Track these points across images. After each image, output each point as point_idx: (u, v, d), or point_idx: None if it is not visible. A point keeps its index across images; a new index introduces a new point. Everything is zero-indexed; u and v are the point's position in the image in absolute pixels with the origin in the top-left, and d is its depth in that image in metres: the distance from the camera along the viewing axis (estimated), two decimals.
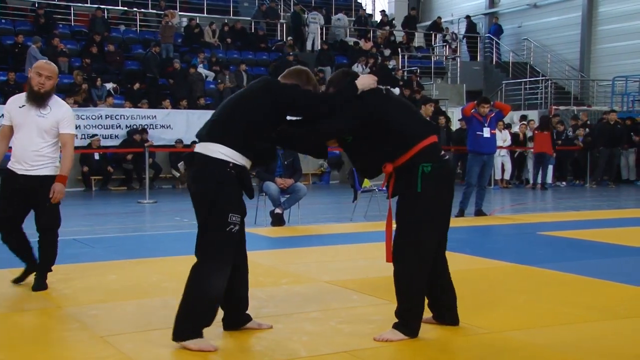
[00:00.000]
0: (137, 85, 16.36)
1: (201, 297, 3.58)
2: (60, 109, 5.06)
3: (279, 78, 3.89)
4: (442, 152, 3.86)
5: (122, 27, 19.64)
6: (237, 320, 3.91)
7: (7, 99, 5.21)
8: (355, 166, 4.07)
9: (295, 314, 4.02)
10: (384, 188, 3.91)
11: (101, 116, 14.88)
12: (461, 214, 9.85)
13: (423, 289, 3.79)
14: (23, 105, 4.96)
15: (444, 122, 16.99)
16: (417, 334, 3.78)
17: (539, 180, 15.51)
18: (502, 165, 16.22)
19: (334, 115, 3.73)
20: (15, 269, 5.33)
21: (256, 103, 3.68)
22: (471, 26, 23.97)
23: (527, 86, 20.94)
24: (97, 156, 14.41)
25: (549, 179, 16.34)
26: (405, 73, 20.64)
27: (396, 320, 3.79)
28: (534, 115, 18.45)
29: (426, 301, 3.89)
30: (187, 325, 3.58)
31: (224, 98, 17.31)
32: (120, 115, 15.06)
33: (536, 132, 15.45)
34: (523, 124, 16.96)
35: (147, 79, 16.78)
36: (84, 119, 14.67)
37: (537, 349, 3.71)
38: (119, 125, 14.93)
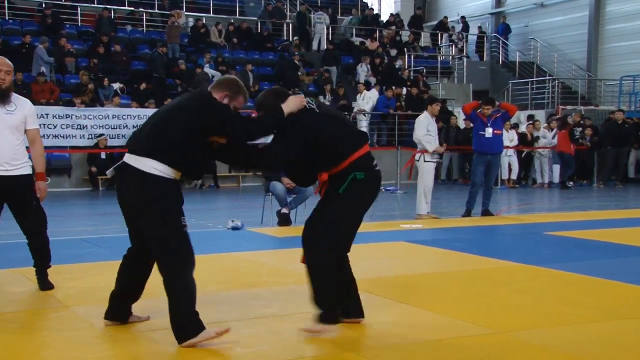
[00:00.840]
0: (143, 85, 16.39)
1: (190, 298, 3.73)
2: (25, 105, 4.95)
3: (209, 88, 3.93)
4: (374, 162, 4.02)
5: (129, 27, 19.72)
6: (125, 312, 4.08)
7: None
8: (290, 177, 4.21)
9: (301, 313, 4.05)
10: (318, 194, 4.02)
11: (108, 116, 14.93)
12: (468, 213, 9.84)
13: (334, 282, 3.91)
14: None
15: (455, 122, 16.99)
16: (338, 321, 3.94)
17: (552, 179, 15.57)
18: (509, 165, 16.18)
19: (275, 148, 3.87)
20: (25, 268, 5.35)
21: (187, 121, 3.71)
22: (466, 27, 24.02)
23: (534, 86, 20.87)
24: (103, 156, 14.47)
25: (556, 179, 16.30)
26: (412, 73, 20.61)
27: (317, 311, 3.89)
28: (540, 115, 18.42)
29: None
30: (188, 326, 3.68)
31: None
32: (127, 115, 15.10)
33: (558, 131, 15.57)
34: (530, 124, 16.93)
35: (154, 78, 16.82)
36: (90, 119, 14.73)
37: (543, 349, 3.71)
38: (126, 125, 14.96)
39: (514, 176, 16.37)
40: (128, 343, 3.77)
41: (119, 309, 4.07)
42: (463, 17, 24.21)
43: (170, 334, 3.70)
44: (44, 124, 14.23)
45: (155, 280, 5.19)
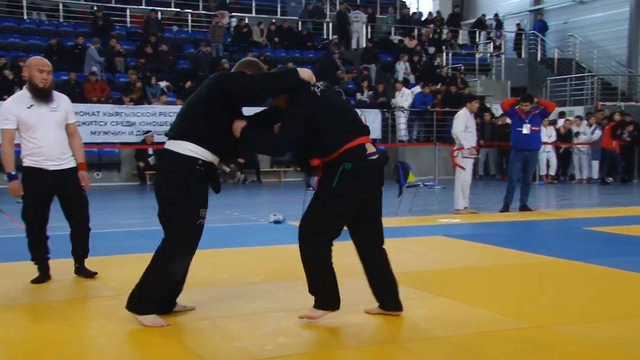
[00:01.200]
0: (188, 84, 16.80)
1: (163, 279, 3.93)
2: (65, 101, 5.18)
3: (232, 69, 4.15)
4: (371, 152, 3.95)
5: (175, 28, 20.15)
6: (171, 305, 4.21)
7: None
8: (296, 162, 4.25)
9: (343, 305, 4.06)
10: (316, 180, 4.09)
11: (155, 113, 15.35)
12: (505, 209, 9.95)
13: (328, 269, 3.96)
14: (32, 105, 4.97)
15: (490, 119, 17.06)
16: (337, 307, 4.01)
17: (591, 175, 15.53)
18: (547, 161, 16.19)
19: (283, 129, 3.92)
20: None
21: (210, 97, 3.90)
22: (499, 24, 23.87)
23: (573, 82, 20.74)
24: (151, 151, 14.94)
25: (595, 175, 16.26)
26: (450, 70, 20.68)
27: (313, 299, 4.02)
28: (579, 111, 18.35)
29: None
30: (142, 300, 3.91)
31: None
32: (173, 112, 15.43)
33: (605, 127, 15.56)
34: (569, 119, 16.91)
35: (198, 77, 17.21)
36: (139, 116, 15.19)
37: (581, 343, 3.71)
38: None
39: (552, 172, 16.35)
40: (179, 331, 3.91)
41: (167, 301, 4.18)
42: (496, 15, 24.12)
43: (221, 324, 3.90)
44: (95, 121, 14.79)
45: (208, 271, 5.38)
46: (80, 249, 5.27)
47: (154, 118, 15.32)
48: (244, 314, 4.24)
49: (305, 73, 3.94)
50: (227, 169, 15.43)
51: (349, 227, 4.11)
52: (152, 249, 4.64)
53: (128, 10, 20.14)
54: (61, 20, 19.17)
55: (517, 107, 9.98)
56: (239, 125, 3.94)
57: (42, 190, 5.03)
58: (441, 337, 3.80)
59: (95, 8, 19.35)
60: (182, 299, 4.29)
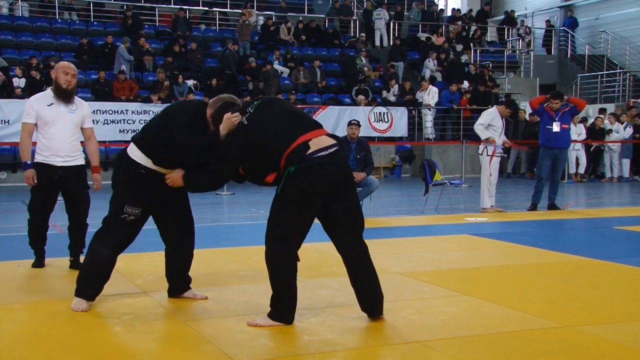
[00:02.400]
0: (215, 82, 16.92)
1: (92, 267, 4.30)
2: (84, 106, 5.56)
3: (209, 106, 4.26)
4: (317, 148, 3.82)
5: (203, 26, 20.28)
6: (174, 289, 4.59)
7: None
8: (253, 180, 4.21)
9: None
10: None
11: None
12: (534, 207, 9.86)
13: (288, 279, 3.91)
14: (52, 104, 5.35)
15: (524, 117, 16.88)
16: (290, 321, 3.93)
17: (622, 173, 15.31)
18: (577, 159, 15.98)
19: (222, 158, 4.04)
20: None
21: (158, 122, 4.29)
22: (511, 20, 23.66)
23: (604, 79, 20.42)
24: None
25: (626, 173, 16.01)
26: (478, 67, 20.53)
27: (270, 307, 3.97)
28: (611, 109, 18.07)
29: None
30: (79, 286, 4.33)
31: (299, 93, 17.51)
32: None
33: None
34: (599, 117, 16.66)
35: (226, 75, 17.33)
36: None
37: (611, 344, 3.67)
38: None
39: (581, 170, 16.15)
40: (202, 328, 3.93)
41: (171, 286, 4.59)
42: (512, 11, 23.90)
43: (245, 321, 3.94)
44: (123, 120, 14.94)
45: (232, 269, 5.41)
46: (76, 244, 5.57)
47: None
48: (268, 311, 4.23)
49: (226, 126, 4.00)
50: None
51: (322, 224, 4.04)
52: None
53: (157, 9, 20.31)
54: (92, 20, 19.40)
55: (546, 105, 9.87)
56: (177, 176, 4.19)
57: (50, 183, 5.37)
58: (468, 337, 3.77)
59: (125, 7, 19.56)
60: (207, 294, 4.35)
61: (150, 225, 4.49)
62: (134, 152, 4.25)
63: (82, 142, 5.60)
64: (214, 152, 4.06)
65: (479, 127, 9.57)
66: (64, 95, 5.35)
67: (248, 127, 3.94)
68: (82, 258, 5.55)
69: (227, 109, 4.10)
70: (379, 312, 4.04)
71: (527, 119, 16.73)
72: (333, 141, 3.91)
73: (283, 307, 3.93)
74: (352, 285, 4.05)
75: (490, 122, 9.53)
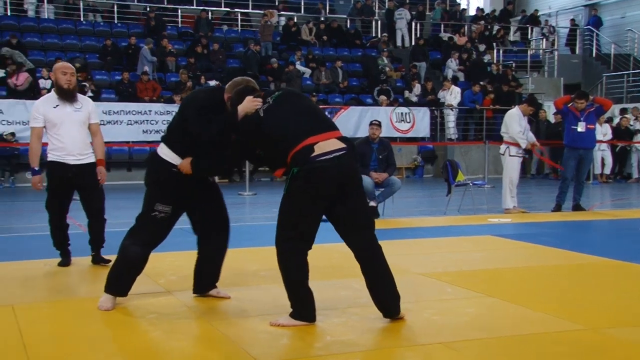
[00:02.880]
0: None
1: (121, 262, 4.33)
2: (88, 102, 5.66)
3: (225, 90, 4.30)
4: (323, 152, 3.81)
5: (225, 27, 20.38)
6: (201, 286, 4.62)
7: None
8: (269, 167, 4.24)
9: None
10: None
11: None
12: (558, 208, 9.78)
13: (299, 278, 3.92)
14: (57, 105, 5.46)
15: (545, 117, 16.74)
16: (311, 319, 3.93)
17: None
18: (602, 159, 15.80)
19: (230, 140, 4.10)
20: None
21: (178, 114, 4.35)
22: (536, 20, 23.42)
23: (630, 78, 20.16)
24: None
25: None
26: (501, 67, 20.38)
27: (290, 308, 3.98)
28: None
29: None
30: (109, 282, 4.37)
31: (321, 93, 17.51)
32: None
33: None
34: (625, 117, 16.45)
35: (248, 76, 17.34)
36: None
37: (635, 347, 3.63)
38: None
39: (607, 171, 15.97)
40: (226, 328, 3.95)
41: (196, 283, 4.62)
42: (536, 10, 23.70)
43: (268, 321, 3.96)
44: (146, 120, 15.07)
45: (254, 269, 5.42)
46: (96, 238, 5.70)
47: None
48: (290, 311, 4.24)
49: (246, 106, 4.01)
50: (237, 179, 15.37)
51: (333, 225, 4.04)
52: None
53: (180, 11, 20.45)
54: (116, 21, 19.60)
55: (571, 105, 9.78)
56: (186, 163, 4.23)
57: (64, 182, 5.50)
58: (491, 338, 3.75)
59: (147, 9, 19.74)
60: (230, 293, 4.39)
61: (175, 225, 4.52)
62: (164, 152, 4.32)
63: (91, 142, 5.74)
64: (228, 134, 4.08)
65: (519, 135, 9.37)
66: (67, 95, 5.46)
67: (262, 119, 3.96)
68: (104, 253, 5.74)
69: (248, 92, 4.12)
70: (396, 313, 4.03)
71: (551, 120, 16.57)
72: (341, 145, 3.89)
73: (301, 307, 3.95)
74: (366, 286, 4.04)
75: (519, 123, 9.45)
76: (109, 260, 5.60)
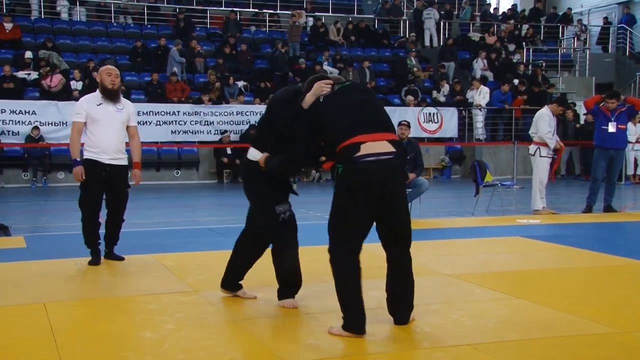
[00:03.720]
0: (264, 84, 17.04)
1: (288, 269, 4.31)
2: (129, 105, 5.89)
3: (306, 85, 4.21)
4: (367, 153, 3.69)
5: (253, 28, 20.47)
6: (232, 284, 4.62)
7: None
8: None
9: (417, 305, 4.04)
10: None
11: (232, 113, 15.70)
12: (588, 209, 9.65)
13: (345, 287, 3.76)
14: (100, 104, 5.67)
15: (572, 116, 16.52)
16: (360, 331, 3.72)
17: None
18: (635, 160, 15.54)
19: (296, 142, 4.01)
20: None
21: (264, 115, 4.34)
22: (566, 19, 23.05)
23: None
24: (229, 150, 15.26)
25: None
26: (531, 67, 20.16)
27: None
28: None
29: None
30: (288, 286, 4.38)
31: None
32: (250, 112, 15.81)
33: None
34: None
35: (276, 76, 17.46)
36: (217, 116, 15.57)
37: None
38: (249, 121, 15.64)
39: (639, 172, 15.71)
40: (252, 327, 3.99)
41: (228, 281, 4.62)
42: (569, 9, 23.38)
43: (295, 321, 3.99)
44: (175, 121, 15.23)
45: (272, 270, 5.45)
46: (112, 236, 5.89)
47: (232, 117, 15.68)
48: (318, 312, 4.27)
49: (313, 91, 3.94)
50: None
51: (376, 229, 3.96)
52: (228, 246, 4.77)
53: (208, 12, 20.60)
54: (146, 23, 19.82)
55: (602, 104, 9.65)
56: (262, 159, 4.20)
57: (98, 179, 5.65)
58: (521, 340, 3.73)
59: (177, 10, 19.90)
60: (256, 294, 4.46)
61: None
62: (252, 154, 4.28)
63: (126, 143, 5.87)
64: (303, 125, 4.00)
65: (547, 136, 9.28)
66: (111, 95, 5.68)
67: (320, 105, 3.90)
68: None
69: (320, 79, 4.08)
70: (404, 323, 3.96)
71: (581, 120, 16.35)
72: (390, 149, 3.75)
73: (348, 317, 3.76)
74: (385, 288, 3.98)
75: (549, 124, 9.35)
76: (123, 258, 5.86)
